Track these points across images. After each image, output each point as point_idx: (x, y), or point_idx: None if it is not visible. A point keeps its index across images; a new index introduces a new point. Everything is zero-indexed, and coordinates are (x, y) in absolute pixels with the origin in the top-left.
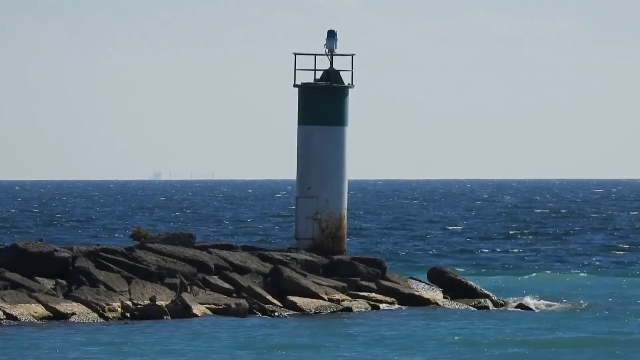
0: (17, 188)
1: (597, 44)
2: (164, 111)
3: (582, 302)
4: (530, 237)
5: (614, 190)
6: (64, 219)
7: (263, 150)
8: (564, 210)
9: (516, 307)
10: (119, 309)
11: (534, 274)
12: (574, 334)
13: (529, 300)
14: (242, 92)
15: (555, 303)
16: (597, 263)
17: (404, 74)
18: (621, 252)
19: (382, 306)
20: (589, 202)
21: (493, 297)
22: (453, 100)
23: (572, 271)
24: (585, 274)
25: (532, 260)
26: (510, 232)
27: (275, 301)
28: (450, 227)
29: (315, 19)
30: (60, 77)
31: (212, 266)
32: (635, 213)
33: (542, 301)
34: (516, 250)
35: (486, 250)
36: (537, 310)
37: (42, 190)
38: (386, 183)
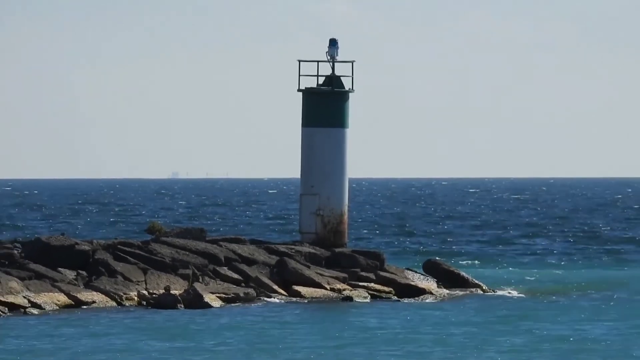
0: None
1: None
2: (182, 114)
3: (553, 292)
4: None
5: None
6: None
7: (271, 150)
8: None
9: (505, 295)
10: (136, 298)
11: (519, 268)
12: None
13: (513, 290)
14: (250, 96)
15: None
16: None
17: (401, 79)
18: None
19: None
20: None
21: (484, 287)
22: (449, 101)
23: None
24: (561, 271)
25: (521, 255)
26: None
27: (280, 290)
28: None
29: (317, 27)
30: (82, 79)
31: (222, 258)
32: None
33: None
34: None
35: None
36: (519, 297)
37: (100, 186)
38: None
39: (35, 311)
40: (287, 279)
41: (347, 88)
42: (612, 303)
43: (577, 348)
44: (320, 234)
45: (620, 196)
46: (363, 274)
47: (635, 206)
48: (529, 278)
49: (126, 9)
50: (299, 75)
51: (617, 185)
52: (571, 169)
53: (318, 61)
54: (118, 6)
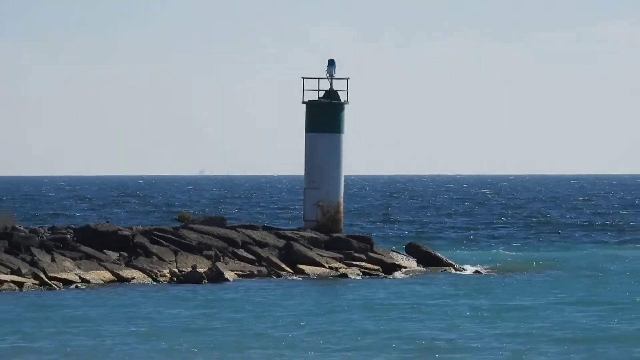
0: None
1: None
2: (209, 121)
3: (509, 270)
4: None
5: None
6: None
7: (280, 151)
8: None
9: (473, 273)
10: (168, 275)
11: (486, 250)
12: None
13: (480, 268)
14: (263, 107)
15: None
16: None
17: (391, 93)
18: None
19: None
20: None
21: (455, 266)
22: (433, 112)
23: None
24: (520, 253)
25: (487, 239)
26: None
27: (287, 268)
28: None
29: (319, 49)
30: (116, 81)
31: (239, 242)
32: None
33: (485, 267)
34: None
35: (450, 232)
36: (484, 274)
37: (139, 182)
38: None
39: (84, 286)
40: (293, 259)
41: (342, 100)
42: (557, 278)
43: (524, 315)
44: (320, 221)
45: (569, 192)
46: (356, 254)
47: (580, 198)
48: (493, 258)
49: (168, 14)
50: (303, 90)
51: (566, 182)
52: (530, 168)
53: (319, 78)
54: (160, 12)
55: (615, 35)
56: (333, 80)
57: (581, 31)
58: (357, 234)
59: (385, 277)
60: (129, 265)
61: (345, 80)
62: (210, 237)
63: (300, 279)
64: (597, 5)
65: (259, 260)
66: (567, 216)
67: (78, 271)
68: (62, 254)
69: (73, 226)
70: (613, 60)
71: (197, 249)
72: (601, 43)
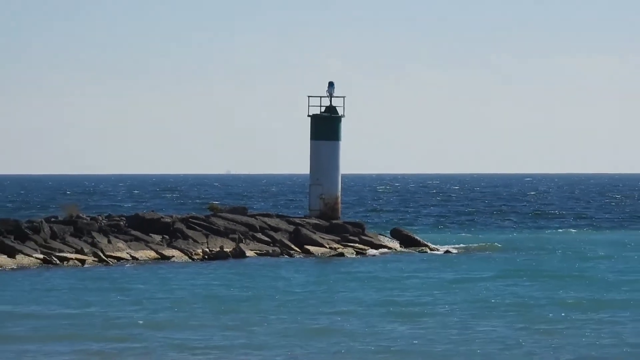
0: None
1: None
2: (236, 128)
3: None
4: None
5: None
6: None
7: (291, 154)
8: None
9: (444, 252)
10: (201, 254)
11: (455, 234)
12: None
13: (450, 248)
14: (275, 119)
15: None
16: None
17: (380, 108)
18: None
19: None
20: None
21: (430, 246)
22: (412, 123)
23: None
24: (486, 236)
25: (459, 226)
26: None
27: (296, 249)
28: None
29: (321, 73)
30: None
31: (258, 227)
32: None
33: (456, 247)
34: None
35: (427, 218)
36: (454, 253)
37: (170, 180)
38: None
39: (133, 263)
40: (301, 241)
41: (340, 114)
42: (514, 256)
43: (480, 285)
44: (322, 210)
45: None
46: (351, 237)
47: (532, 192)
48: (462, 241)
49: (195, 23)
50: (309, 106)
51: (523, 179)
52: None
53: (321, 96)
54: (188, 22)
55: None
56: (332, 98)
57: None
58: (352, 221)
59: (374, 255)
60: (169, 246)
61: (342, 98)
62: (235, 223)
63: (306, 257)
64: None
65: (273, 242)
66: (521, 205)
67: (129, 251)
68: (116, 237)
69: (125, 215)
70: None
71: (224, 233)
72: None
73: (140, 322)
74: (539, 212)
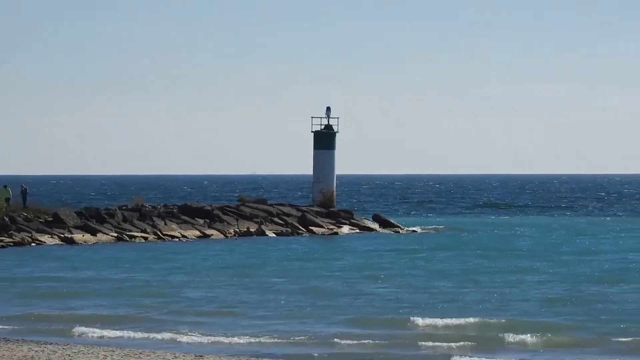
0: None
1: None
2: (259, 133)
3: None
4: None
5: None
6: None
7: (299, 160)
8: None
9: (412, 231)
10: (233, 233)
11: (424, 218)
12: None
13: (418, 229)
14: (284, 133)
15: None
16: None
17: (369, 127)
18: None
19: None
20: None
21: (403, 228)
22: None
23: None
24: (455, 220)
25: (431, 213)
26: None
27: (303, 229)
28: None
29: (323, 99)
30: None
31: (275, 213)
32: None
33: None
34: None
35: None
36: (420, 232)
37: (205, 181)
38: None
39: (184, 240)
40: (306, 224)
41: (335, 130)
42: (474, 235)
43: (441, 257)
44: (322, 201)
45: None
46: (343, 221)
47: (495, 183)
48: (430, 223)
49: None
50: (312, 124)
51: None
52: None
53: (321, 117)
54: (205, 30)
55: None
56: (330, 119)
57: None
58: (344, 209)
59: (360, 232)
60: (210, 227)
61: (337, 119)
62: (258, 210)
63: (311, 236)
64: None
65: (286, 224)
66: (484, 197)
67: (180, 230)
68: (171, 221)
69: (177, 204)
70: None
71: (250, 218)
72: None
73: (186, 280)
74: (484, 203)
